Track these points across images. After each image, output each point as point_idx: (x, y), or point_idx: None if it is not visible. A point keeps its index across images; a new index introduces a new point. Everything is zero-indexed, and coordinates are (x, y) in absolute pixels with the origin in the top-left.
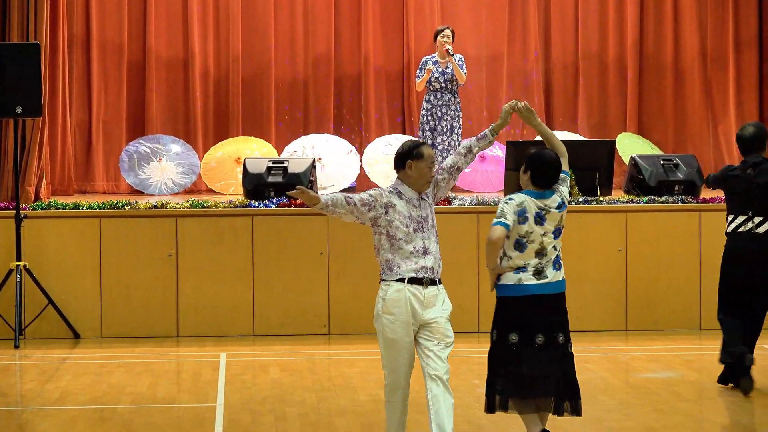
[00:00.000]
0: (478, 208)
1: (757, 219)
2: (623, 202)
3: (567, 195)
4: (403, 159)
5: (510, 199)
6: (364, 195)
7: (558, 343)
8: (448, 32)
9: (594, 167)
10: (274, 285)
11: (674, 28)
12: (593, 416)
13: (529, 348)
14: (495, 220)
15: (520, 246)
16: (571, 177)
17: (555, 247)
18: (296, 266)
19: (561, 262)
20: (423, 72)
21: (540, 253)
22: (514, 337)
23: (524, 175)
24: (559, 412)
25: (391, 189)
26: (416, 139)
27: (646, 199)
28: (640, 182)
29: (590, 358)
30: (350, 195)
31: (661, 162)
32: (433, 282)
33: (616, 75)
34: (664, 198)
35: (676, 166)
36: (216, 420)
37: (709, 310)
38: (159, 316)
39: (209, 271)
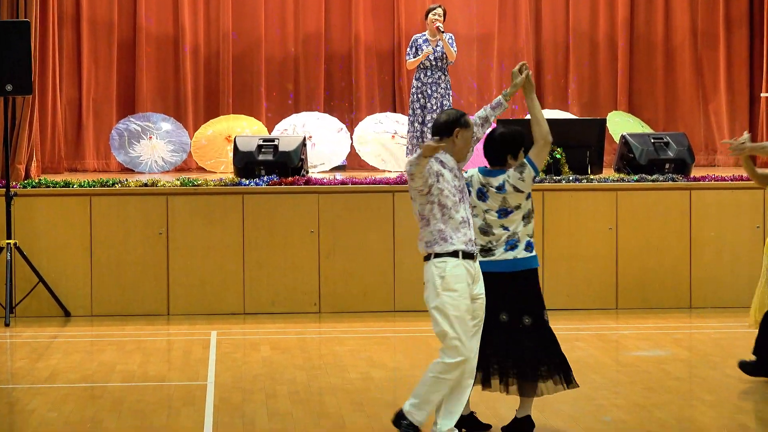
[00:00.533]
0: None
1: None
2: (614, 181)
3: (515, 180)
4: (452, 127)
5: (465, 172)
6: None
7: (500, 321)
8: (439, 10)
9: (585, 145)
10: (264, 263)
11: (665, 6)
12: (583, 394)
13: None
14: None
15: None
16: (561, 156)
17: (504, 227)
18: (287, 244)
19: (519, 245)
20: (413, 50)
21: (485, 231)
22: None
23: None
24: (526, 393)
25: (434, 158)
26: (454, 109)
27: (636, 177)
28: (630, 160)
29: (581, 336)
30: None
31: (652, 140)
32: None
33: (607, 53)
34: (654, 176)
35: (667, 144)
36: (207, 398)
37: (699, 288)
38: (150, 294)
39: (200, 249)
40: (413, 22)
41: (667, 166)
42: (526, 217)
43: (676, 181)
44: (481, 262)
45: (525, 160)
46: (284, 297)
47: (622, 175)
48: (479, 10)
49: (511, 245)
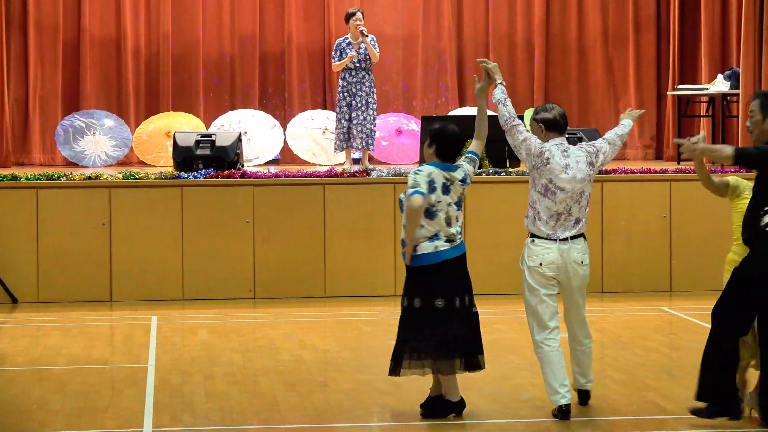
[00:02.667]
0: (395, 179)
1: None
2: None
3: (471, 173)
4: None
5: (419, 170)
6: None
7: (466, 304)
8: (359, 15)
9: (503, 140)
10: (202, 252)
11: (578, 8)
12: (502, 374)
13: (452, 311)
14: (411, 191)
15: (430, 214)
16: (483, 159)
17: (458, 218)
18: (223, 234)
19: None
20: (337, 53)
21: (448, 222)
22: (440, 302)
23: (429, 149)
24: (470, 368)
25: None
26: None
27: None
28: None
29: (498, 319)
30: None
31: (566, 136)
32: None
33: (524, 53)
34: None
35: (580, 139)
36: (148, 379)
37: (610, 274)
38: (93, 281)
39: (141, 239)
40: (343, 23)
41: None
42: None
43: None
44: (447, 250)
45: (474, 155)
46: (221, 284)
47: None
48: (404, 10)
49: (461, 233)
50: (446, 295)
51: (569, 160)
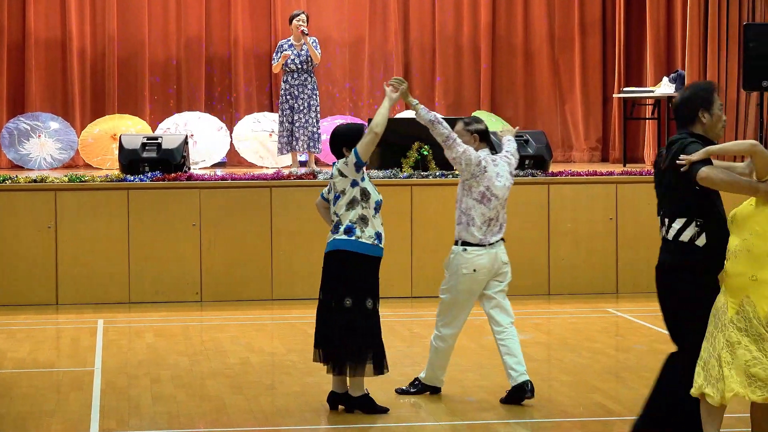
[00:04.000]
0: None
1: (666, 220)
2: None
3: (344, 166)
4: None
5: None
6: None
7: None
8: (303, 16)
9: None
10: (149, 255)
11: (524, 12)
12: (450, 376)
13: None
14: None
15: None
16: (429, 153)
17: (336, 213)
18: (170, 237)
19: (340, 227)
20: (279, 56)
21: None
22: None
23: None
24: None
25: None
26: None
27: None
28: None
29: None
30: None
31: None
32: None
33: (471, 56)
34: (515, 172)
35: (527, 142)
36: (94, 383)
37: (557, 276)
38: (39, 285)
39: (87, 242)
40: (289, 26)
41: (527, 162)
42: (350, 204)
43: (535, 176)
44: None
45: (352, 150)
46: (168, 287)
47: None
48: (350, 14)
49: (336, 228)
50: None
51: (498, 169)
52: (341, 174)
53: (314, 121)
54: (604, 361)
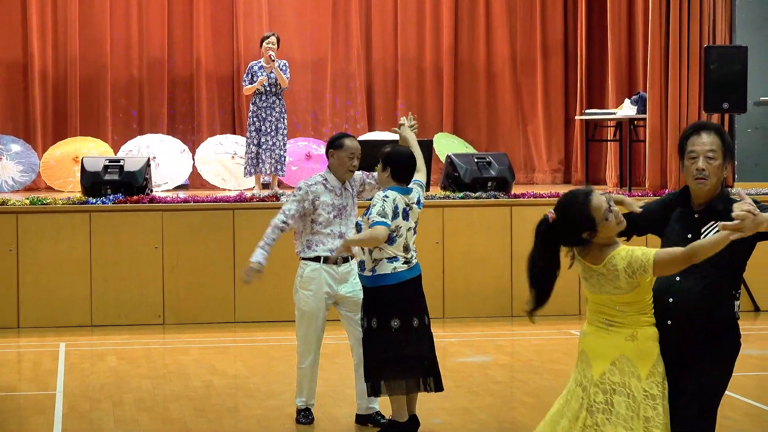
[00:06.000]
0: None
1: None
2: (440, 198)
3: (423, 197)
4: (327, 148)
5: (386, 197)
6: (293, 208)
7: (426, 324)
8: (273, 39)
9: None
10: (111, 278)
11: (486, 34)
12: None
13: (409, 331)
14: (378, 219)
15: (390, 240)
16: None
17: (413, 243)
18: (132, 260)
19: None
20: (249, 77)
21: (406, 248)
22: (395, 323)
23: (383, 173)
24: (424, 389)
25: (319, 176)
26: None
27: (461, 194)
28: (456, 179)
29: None
30: (283, 221)
31: (475, 160)
32: (345, 260)
33: (433, 78)
34: (478, 193)
35: (489, 164)
36: (56, 406)
37: (520, 297)
38: (0, 307)
39: (49, 265)
40: (251, 48)
41: (489, 184)
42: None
43: (497, 198)
44: (404, 272)
45: (420, 183)
46: (130, 309)
47: (448, 193)
48: (313, 36)
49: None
50: (403, 315)
51: None
52: (421, 202)
53: (281, 144)
54: (565, 383)
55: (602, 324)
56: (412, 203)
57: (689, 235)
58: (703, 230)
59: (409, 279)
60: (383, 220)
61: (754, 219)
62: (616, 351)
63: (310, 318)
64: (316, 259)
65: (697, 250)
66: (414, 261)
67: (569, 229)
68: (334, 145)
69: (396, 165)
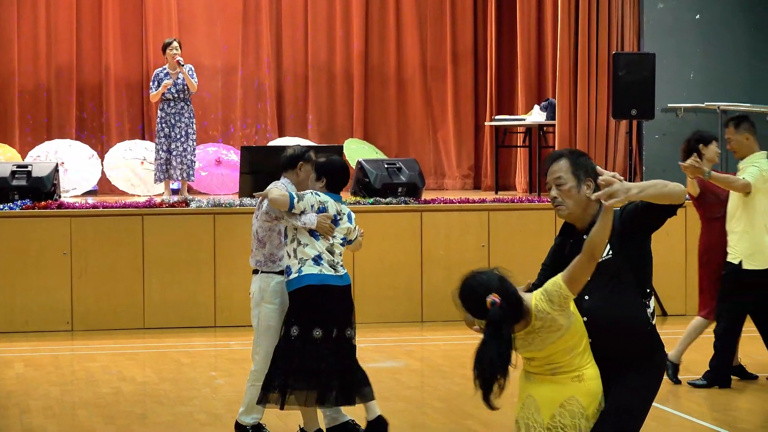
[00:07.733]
0: (214, 210)
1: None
2: (351, 204)
3: (353, 218)
4: (295, 160)
5: (317, 193)
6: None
7: (346, 336)
8: (176, 44)
9: None
10: (17, 284)
11: (397, 41)
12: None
13: (329, 341)
14: (292, 194)
15: (315, 236)
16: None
17: (340, 253)
18: (40, 266)
19: None
20: (155, 84)
21: (330, 251)
22: (318, 332)
23: (318, 182)
24: (341, 402)
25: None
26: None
27: (372, 200)
28: (366, 185)
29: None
30: (293, 198)
31: (386, 166)
32: None
33: (344, 84)
34: (388, 199)
35: (399, 169)
36: None
37: (430, 303)
38: None
39: None
40: (161, 55)
41: (399, 189)
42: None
43: (408, 203)
44: (332, 277)
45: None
46: (37, 316)
47: (358, 198)
48: (223, 42)
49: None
50: (325, 325)
51: None
52: (352, 218)
53: (191, 149)
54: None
55: (548, 373)
56: (343, 214)
57: None
58: None
59: (334, 286)
60: (293, 195)
61: (622, 183)
62: (565, 393)
63: (276, 332)
64: (281, 272)
65: (592, 241)
66: (342, 270)
67: (514, 304)
68: (305, 157)
69: (331, 175)
